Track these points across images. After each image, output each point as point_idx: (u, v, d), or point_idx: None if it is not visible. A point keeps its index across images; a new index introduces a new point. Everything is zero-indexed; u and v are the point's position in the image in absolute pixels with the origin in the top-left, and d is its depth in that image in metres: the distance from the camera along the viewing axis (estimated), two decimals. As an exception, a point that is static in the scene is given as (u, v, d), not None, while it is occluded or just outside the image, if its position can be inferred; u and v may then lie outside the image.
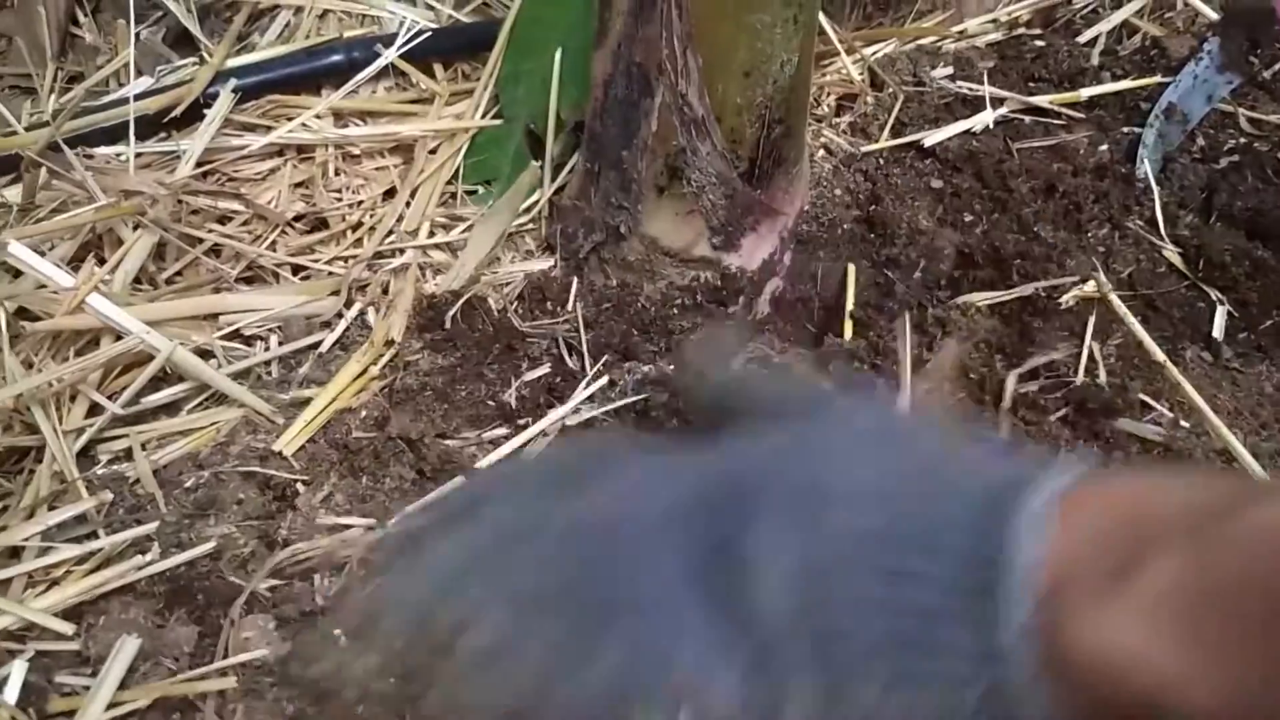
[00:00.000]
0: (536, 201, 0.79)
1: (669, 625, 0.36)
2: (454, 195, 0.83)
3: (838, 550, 0.35)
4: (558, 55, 0.80)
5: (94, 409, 0.63)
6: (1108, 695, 0.30)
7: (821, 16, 0.82)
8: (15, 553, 0.55)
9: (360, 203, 0.81)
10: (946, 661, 0.33)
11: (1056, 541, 0.32)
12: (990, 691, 0.32)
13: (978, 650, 0.32)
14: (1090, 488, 0.34)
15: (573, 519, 0.39)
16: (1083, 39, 0.87)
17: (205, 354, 0.68)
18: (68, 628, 0.51)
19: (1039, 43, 0.86)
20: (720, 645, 0.35)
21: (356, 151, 0.83)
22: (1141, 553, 0.31)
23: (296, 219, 0.79)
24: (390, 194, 0.82)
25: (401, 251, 0.77)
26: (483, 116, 0.85)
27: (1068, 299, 0.69)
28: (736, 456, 0.40)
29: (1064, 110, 0.81)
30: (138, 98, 0.78)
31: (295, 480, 0.62)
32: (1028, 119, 0.81)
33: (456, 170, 0.83)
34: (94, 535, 0.57)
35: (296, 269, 0.77)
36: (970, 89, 0.81)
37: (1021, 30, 0.87)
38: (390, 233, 0.78)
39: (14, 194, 0.76)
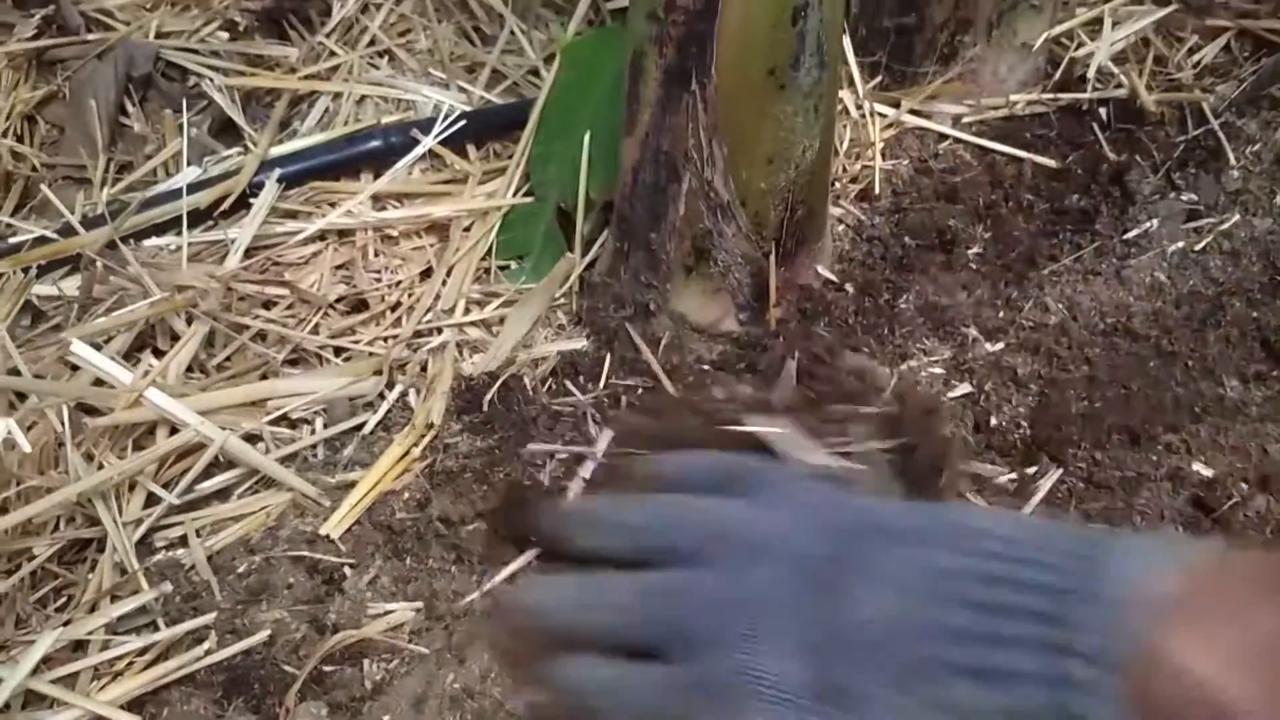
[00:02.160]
0: (568, 277, 0.82)
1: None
2: (487, 271, 0.86)
3: (930, 584, 0.41)
4: (586, 138, 0.83)
5: (151, 498, 0.66)
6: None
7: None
8: (80, 645, 0.58)
9: (399, 283, 0.84)
10: (1024, 680, 0.36)
11: (1158, 584, 0.35)
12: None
13: (1055, 673, 0.36)
14: (1180, 553, 0.37)
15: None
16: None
17: (254, 439, 0.71)
18: (133, 720, 0.54)
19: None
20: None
21: (394, 233, 0.86)
22: (1249, 600, 0.34)
23: (338, 300, 0.82)
24: (427, 273, 0.85)
25: (439, 331, 0.80)
26: (514, 195, 0.88)
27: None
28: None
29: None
30: (189, 190, 0.81)
31: (343, 564, 0.64)
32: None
33: (490, 247, 0.86)
34: (153, 625, 0.59)
35: (338, 350, 0.80)
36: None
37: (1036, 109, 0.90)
38: (428, 311, 0.81)
39: (70, 285, 0.80)
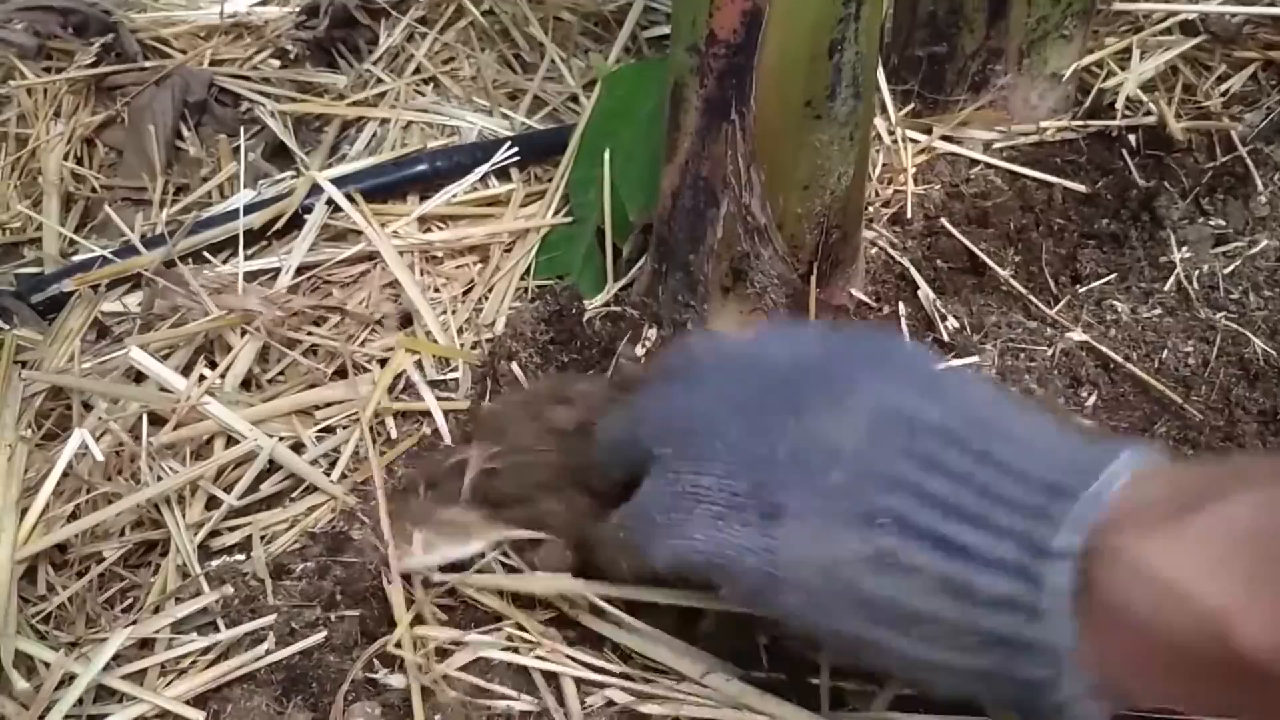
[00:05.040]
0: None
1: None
2: (526, 290, 0.88)
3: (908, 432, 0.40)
4: (626, 163, 0.86)
5: (211, 502, 0.69)
6: (1160, 622, 0.32)
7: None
8: (146, 644, 0.61)
9: (442, 300, 0.87)
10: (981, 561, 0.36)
11: (1123, 490, 0.35)
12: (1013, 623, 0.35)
13: (1014, 560, 0.35)
14: (1161, 460, 0.38)
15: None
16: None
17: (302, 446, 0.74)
18: (198, 715, 0.56)
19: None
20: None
21: (439, 254, 0.89)
22: (1206, 497, 0.33)
23: (382, 319, 0.85)
24: (470, 291, 0.88)
25: (477, 345, 0.83)
26: (553, 216, 0.90)
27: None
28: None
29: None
30: (244, 211, 0.85)
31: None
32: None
33: (530, 266, 0.89)
34: (214, 626, 0.62)
35: (383, 363, 0.82)
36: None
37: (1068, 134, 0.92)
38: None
39: (134, 301, 0.83)
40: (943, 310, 0.78)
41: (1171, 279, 0.80)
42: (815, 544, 0.40)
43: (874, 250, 0.84)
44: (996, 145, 0.91)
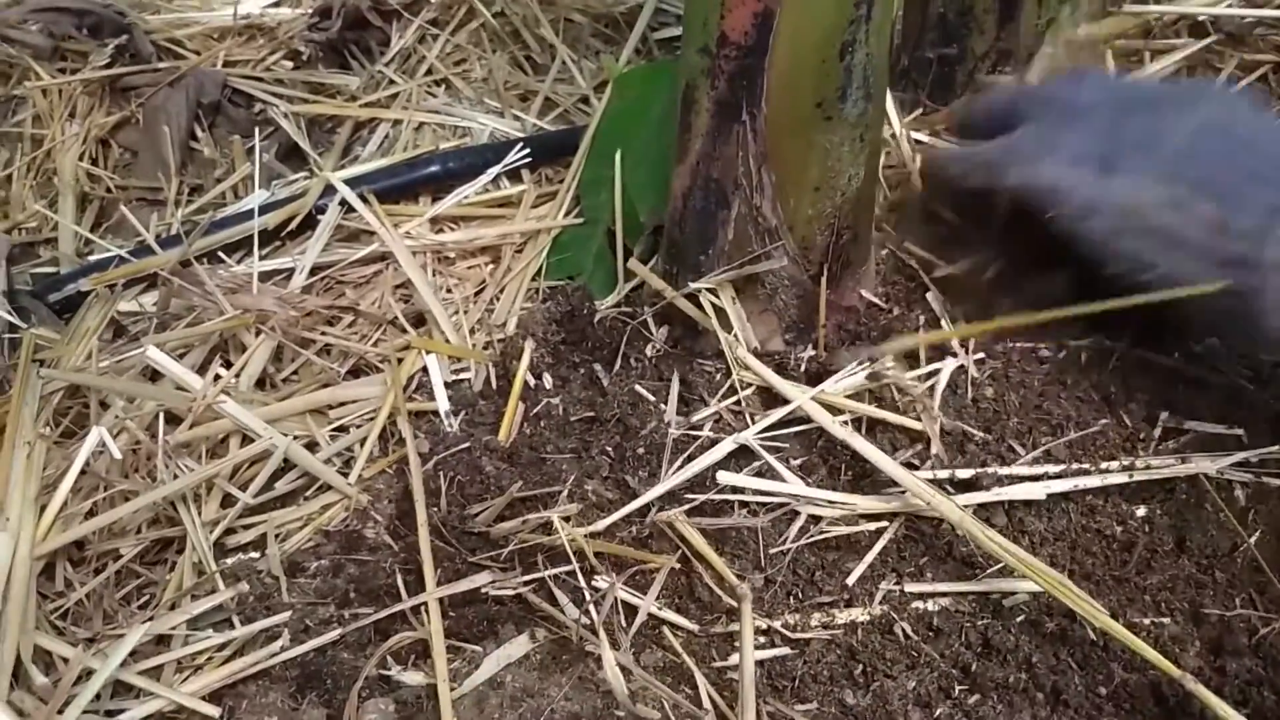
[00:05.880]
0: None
1: None
2: (537, 291, 0.89)
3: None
4: (636, 164, 0.86)
5: (227, 500, 0.70)
6: None
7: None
8: (162, 640, 0.61)
9: (454, 301, 0.88)
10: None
11: None
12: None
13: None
14: None
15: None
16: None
17: (317, 445, 0.75)
18: (214, 711, 0.57)
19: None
20: None
21: (451, 254, 0.90)
22: None
23: (393, 321, 0.86)
24: (481, 291, 0.89)
25: (489, 345, 0.83)
26: (565, 217, 0.91)
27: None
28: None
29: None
30: (259, 211, 0.86)
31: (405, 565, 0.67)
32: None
33: (541, 267, 0.90)
34: (229, 622, 0.63)
35: (398, 362, 0.83)
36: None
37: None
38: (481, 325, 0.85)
39: (150, 300, 0.84)
40: (952, 312, 0.78)
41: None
42: (1131, 189, 0.59)
43: (884, 251, 0.84)
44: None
